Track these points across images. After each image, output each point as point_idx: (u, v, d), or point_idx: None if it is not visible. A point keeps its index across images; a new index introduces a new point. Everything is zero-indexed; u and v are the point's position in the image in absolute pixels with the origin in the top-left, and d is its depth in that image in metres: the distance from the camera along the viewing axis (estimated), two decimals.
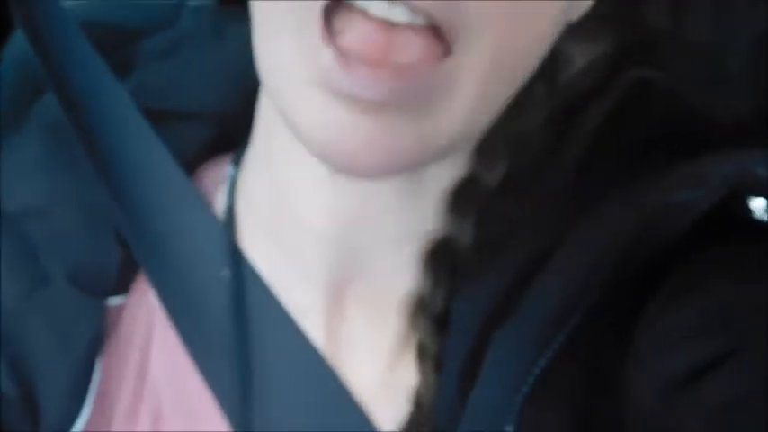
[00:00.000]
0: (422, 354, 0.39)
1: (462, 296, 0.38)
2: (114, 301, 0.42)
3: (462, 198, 0.39)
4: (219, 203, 0.42)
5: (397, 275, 0.39)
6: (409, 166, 0.34)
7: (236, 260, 0.40)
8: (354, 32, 0.31)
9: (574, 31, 0.37)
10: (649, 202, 0.36)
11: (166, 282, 0.41)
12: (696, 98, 0.38)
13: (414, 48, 0.31)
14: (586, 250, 0.36)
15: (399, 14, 0.31)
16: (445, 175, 0.39)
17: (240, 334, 0.39)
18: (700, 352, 0.34)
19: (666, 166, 0.36)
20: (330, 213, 0.38)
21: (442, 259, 0.39)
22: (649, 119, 0.38)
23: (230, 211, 0.41)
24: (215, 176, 0.42)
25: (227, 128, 0.43)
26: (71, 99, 0.41)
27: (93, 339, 0.41)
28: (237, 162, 0.42)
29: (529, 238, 0.37)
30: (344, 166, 0.33)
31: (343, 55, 0.31)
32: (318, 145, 0.33)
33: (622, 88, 0.38)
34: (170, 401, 0.41)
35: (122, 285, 0.42)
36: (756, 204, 0.37)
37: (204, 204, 0.41)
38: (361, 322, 0.40)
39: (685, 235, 0.36)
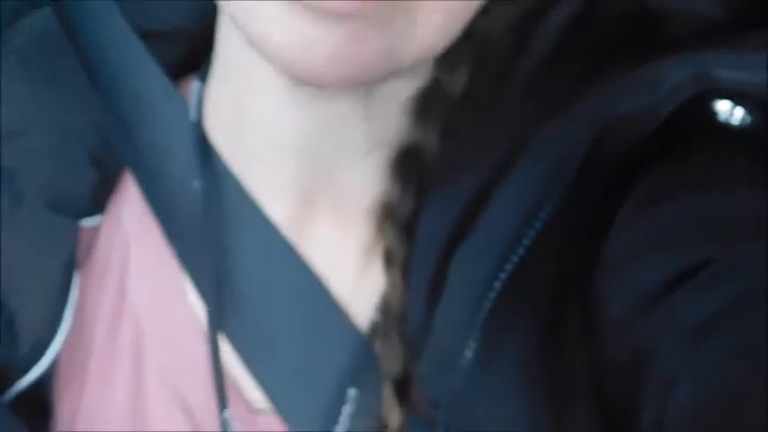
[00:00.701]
0: (389, 260, 0.39)
1: (429, 207, 0.38)
2: (89, 221, 0.43)
3: (427, 106, 0.39)
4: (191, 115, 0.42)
5: (365, 184, 0.40)
6: (374, 79, 0.33)
7: (208, 171, 0.41)
8: None
9: None
10: (603, 109, 0.35)
11: (151, 188, 0.42)
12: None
13: None
14: (544, 160, 0.36)
15: None
16: (407, 85, 0.38)
17: (215, 237, 0.40)
18: (674, 262, 0.33)
19: (623, 71, 0.35)
20: (291, 126, 0.38)
21: (409, 166, 0.39)
22: (611, 23, 0.37)
23: (198, 124, 0.41)
24: (184, 93, 0.43)
25: (196, 46, 0.42)
26: (68, 15, 0.41)
27: (67, 258, 0.42)
28: (204, 78, 0.42)
29: (492, 149, 0.37)
30: (306, 78, 0.32)
31: None
32: (280, 57, 0.32)
33: None
34: (149, 319, 0.42)
35: (97, 206, 0.43)
36: (721, 107, 0.36)
37: (186, 115, 0.42)
38: (329, 230, 0.41)
39: (653, 140, 0.35)
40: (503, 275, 0.36)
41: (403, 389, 0.38)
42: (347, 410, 0.39)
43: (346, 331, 0.40)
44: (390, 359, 0.38)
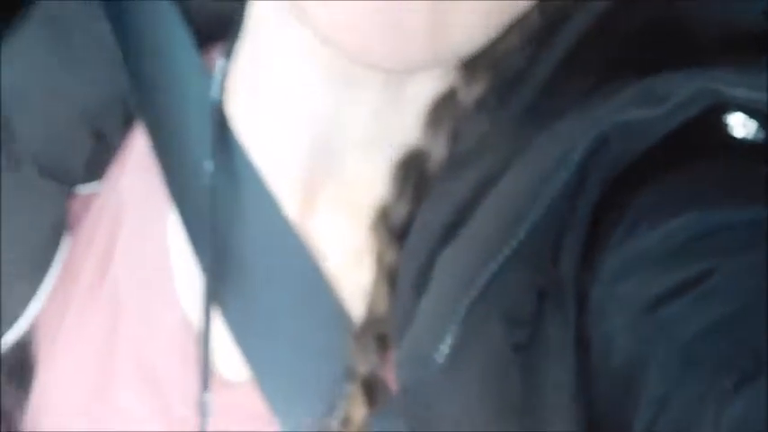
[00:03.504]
0: (378, 262, 0.39)
1: (423, 209, 0.37)
2: (85, 189, 0.43)
3: (439, 112, 0.38)
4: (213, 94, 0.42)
5: (370, 183, 0.39)
6: (417, 67, 0.33)
7: (222, 153, 0.41)
8: None
9: None
10: (605, 117, 0.33)
11: (166, 159, 0.42)
12: (687, 10, 0.36)
13: None
14: (538, 164, 0.34)
15: None
16: (425, 88, 0.38)
17: (220, 216, 0.40)
18: (670, 276, 0.32)
19: (632, 82, 0.34)
20: (310, 109, 0.39)
21: (410, 171, 0.39)
22: (628, 32, 0.36)
23: (219, 104, 0.41)
24: (209, 67, 0.43)
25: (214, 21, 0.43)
26: None
27: (56, 221, 0.42)
28: (228, 54, 0.42)
29: (491, 154, 0.36)
30: (355, 53, 0.32)
31: None
32: (331, 30, 0.32)
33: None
34: (129, 291, 0.42)
35: (92, 175, 0.43)
36: (734, 120, 0.34)
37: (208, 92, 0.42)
38: (329, 222, 0.40)
39: (660, 153, 0.34)
40: (485, 275, 0.34)
41: (371, 389, 0.38)
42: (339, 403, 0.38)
43: (339, 321, 0.39)
44: (361, 359, 0.38)
